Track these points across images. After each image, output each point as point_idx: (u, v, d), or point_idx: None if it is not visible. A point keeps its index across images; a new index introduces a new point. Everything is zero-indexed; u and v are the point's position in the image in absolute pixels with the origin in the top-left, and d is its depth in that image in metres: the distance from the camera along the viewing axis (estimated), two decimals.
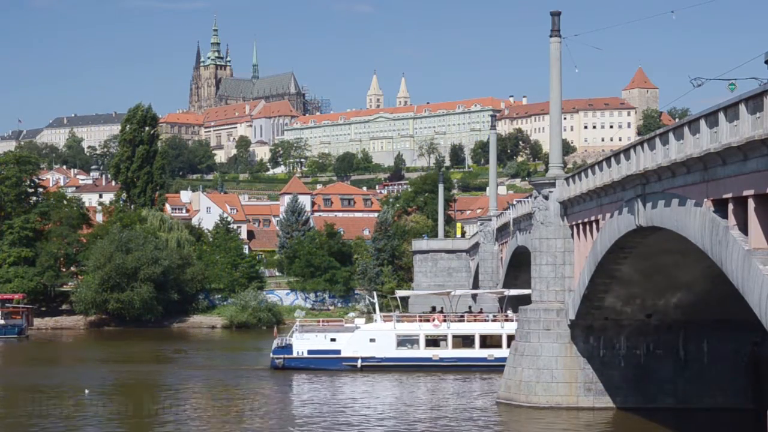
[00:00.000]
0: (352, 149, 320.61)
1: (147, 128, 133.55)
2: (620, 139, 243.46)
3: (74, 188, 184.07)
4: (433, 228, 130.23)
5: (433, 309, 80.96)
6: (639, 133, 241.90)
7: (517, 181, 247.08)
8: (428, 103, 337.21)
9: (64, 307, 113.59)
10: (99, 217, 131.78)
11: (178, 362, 77.19)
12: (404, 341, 66.44)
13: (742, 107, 26.75)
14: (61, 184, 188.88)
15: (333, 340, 66.64)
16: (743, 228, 28.12)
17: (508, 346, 53.59)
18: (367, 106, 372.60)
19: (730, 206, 28.85)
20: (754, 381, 45.28)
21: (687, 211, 32.20)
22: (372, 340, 66.37)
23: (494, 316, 68.45)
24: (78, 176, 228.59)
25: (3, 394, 58.79)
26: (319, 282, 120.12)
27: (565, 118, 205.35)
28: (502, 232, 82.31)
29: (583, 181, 45.00)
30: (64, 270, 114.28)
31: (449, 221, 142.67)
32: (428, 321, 67.61)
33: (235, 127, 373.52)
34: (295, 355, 66.25)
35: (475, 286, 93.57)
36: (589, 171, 43.98)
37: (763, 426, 30.76)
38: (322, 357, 66.01)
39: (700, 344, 45.82)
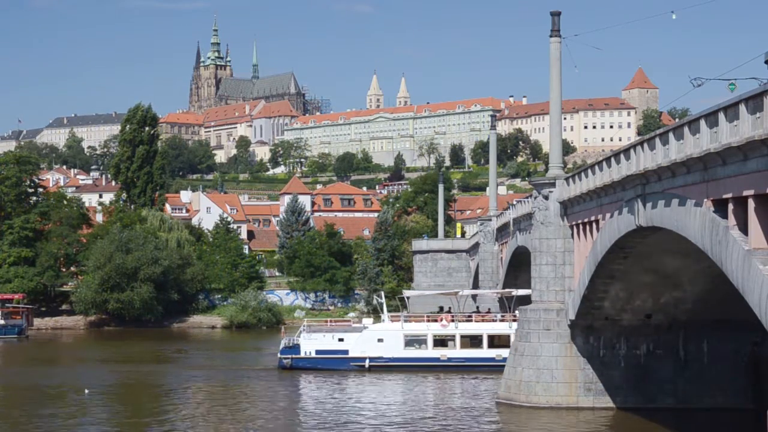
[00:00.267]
0: (352, 149, 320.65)
1: (147, 128, 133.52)
2: (620, 139, 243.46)
3: (74, 188, 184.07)
4: (433, 228, 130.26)
5: (441, 309, 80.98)
6: (639, 133, 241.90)
7: (517, 181, 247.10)
8: (428, 103, 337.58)
9: (64, 307, 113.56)
10: (99, 217, 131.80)
11: (182, 362, 77.09)
12: (412, 341, 66.37)
13: (742, 107, 26.76)
14: (61, 184, 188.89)
15: (341, 340, 66.58)
16: (743, 228, 28.13)
17: None
18: (367, 106, 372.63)
19: (730, 206, 28.85)
20: (754, 381, 45.28)
21: (687, 211, 32.20)
22: (380, 341, 66.31)
23: (502, 316, 68.36)
24: (78, 176, 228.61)
25: (3, 394, 58.82)
26: (319, 282, 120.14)
27: (565, 118, 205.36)
28: (502, 232, 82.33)
29: (583, 181, 45.00)
30: (64, 270, 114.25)
31: (449, 221, 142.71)
32: (436, 321, 67.61)
33: (235, 127, 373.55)
34: (302, 355, 66.20)
35: (475, 286, 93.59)
36: (589, 171, 43.98)
37: (763, 426, 30.76)
38: (330, 357, 65.95)
39: (700, 344, 45.81)
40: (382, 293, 76.98)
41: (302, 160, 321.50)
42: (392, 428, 44.33)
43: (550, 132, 53.00)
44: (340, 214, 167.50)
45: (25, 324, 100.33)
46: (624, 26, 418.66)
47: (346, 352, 66.10)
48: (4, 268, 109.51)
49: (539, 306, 47.98)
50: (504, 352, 62.78)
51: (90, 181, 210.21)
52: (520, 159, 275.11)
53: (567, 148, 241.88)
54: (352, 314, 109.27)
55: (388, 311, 69.47)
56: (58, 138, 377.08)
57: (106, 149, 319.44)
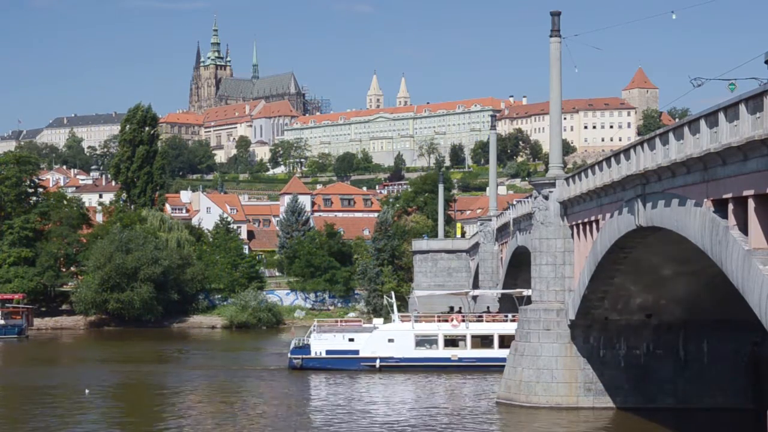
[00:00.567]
0: (352, 149, 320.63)
1: (147, 128, 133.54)
2: (620, 139, 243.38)
3: (74, 188, 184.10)
4: (433, 228, 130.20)
5: (451, 309, 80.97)
6: (639, 133, 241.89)
7: (517, 181, 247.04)
8: (428, 103, 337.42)
9: (64, 307, 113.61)
10: (99, 217, 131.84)
11: (187, 362, 77.16)
12: (423, 341, 66.37)
13: (742, 107, 26.75)
14: (61, 184, 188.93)
15: (351, 340, 66.60)
16: (743, 228, 28.13)
17: None
18: (367, 106, 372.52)
19: (730, 206, 28.85)
20: (754, 381, 45.28)
21: (687, 211, 32.20)
22: (390, 341, 66.34)
23: (513, 316, 68.32)
24: (78, 176, 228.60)
25: (3, 394, 58.82)
26: (319, 282, 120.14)
27: (565, 118, 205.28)
28: (502, 232, 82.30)
29: (583, 181, 45.00)
30: (64, 270, 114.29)
31: (449, 221, 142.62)
32: (447, 321, 67.56)
33: (235, 127, 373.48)
34: (313, 355, 66.25)
35: (475, 286, 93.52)
36: (589, 171, 43.98)
37: (763, 426, 30.76)
38: (341, 357, 65.97)
39: (700, 344, 45.82)
40: (393, 293, 77.06)
41: (302, 160, 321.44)
42: (392, 428, 44.33)
43: (550, 132, 53.00)
44: (340, 214, 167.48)
45: (25, 324, 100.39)
46: (624, 26, 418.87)
47: (356, 352, 66.09)
48: (4, 268, 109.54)
49: (539, 306, 47.98)
50: None
51: (90, 181, 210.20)
52: (520, 159, 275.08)
53: (567, 148, 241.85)
54: (351, 314, 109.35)
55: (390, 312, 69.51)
56: (58, 138, 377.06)
57: (106, 149, 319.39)
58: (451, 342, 66.37)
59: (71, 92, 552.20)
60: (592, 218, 44.03)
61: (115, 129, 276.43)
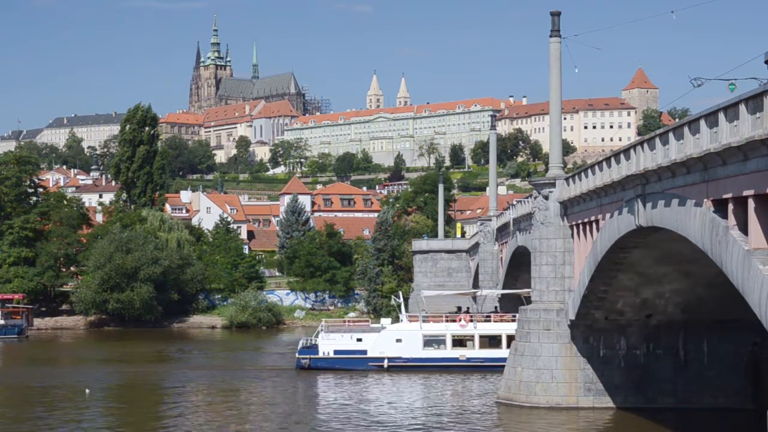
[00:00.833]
0: (352, 149, 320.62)
1: (147, 128, 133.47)
2: (620, 139, 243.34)
3: (74, 188, 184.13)
4: (433, 228, 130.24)
5: (459, 309, 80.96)
6: (639, 133, 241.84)
7: (517, 181, 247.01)
8: (428, 103, 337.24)
9: (64, 307, 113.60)
10: (99, 218, 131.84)
11: (191, 363, 77.02)
12: (431, 341, 66.37)
13: (742, 107, 26.75)
14: (61, 184, 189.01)
15: (359, 340, 66.60)
16: (743, 228, 28.13)
17: None
18: (367, 106, 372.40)
19: (730, 206, 28.85)
20: (754, 381, 45.27)
21: (687, 211, 32.20)
22: (398, 341, 66.32)
23: None
24: (78, 176, 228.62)
25: (3, 394, 58.79)
26: (319, 282, 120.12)
27: (565, 118, 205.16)
28: (502, 232, 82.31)
29: (583, 181, 45.00)
30: (64, 270, 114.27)
31: (449, 221, 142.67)
32: (455, 321, 67.55)
33: (235, 127, 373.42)
34: (321, 355, 66.26)
35: (475, 286, 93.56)
36: (589, 171, 43.97)
37: (763, 426, 30.75)
38: (349, 357, 65.97)
39: (700, 344, 45.81)
40: (401, 293, 77.06)
41: (302, 160, 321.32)
42: (391, 428, 44.34)
43: (550, 132, 52.98)
44: (340, 214, 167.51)
45: (25, 324, 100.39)
46: (624, 26, 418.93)
47: (364, 352, 66.08)
48: (4, 268, 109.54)
49: (539, 306, 47.98)
50: None
51: (90, 181, 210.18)
52: (520, 159, 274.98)
53: (567, 148, 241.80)
54: (351, 314, 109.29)
55: (390, 314, 69.54)
56: (58, 138, 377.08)
57: (106, 149, 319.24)
58: (459, 342, 66.35)
59: (71, 92, 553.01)
60: (592, 218, 44.03)
61: (115, 129, 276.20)
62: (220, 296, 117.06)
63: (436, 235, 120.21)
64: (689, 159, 30.84)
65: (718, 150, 28.30)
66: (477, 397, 54.15)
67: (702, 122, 29.94)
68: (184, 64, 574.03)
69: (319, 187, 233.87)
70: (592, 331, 46.10)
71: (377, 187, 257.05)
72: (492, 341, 65.71)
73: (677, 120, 69.69)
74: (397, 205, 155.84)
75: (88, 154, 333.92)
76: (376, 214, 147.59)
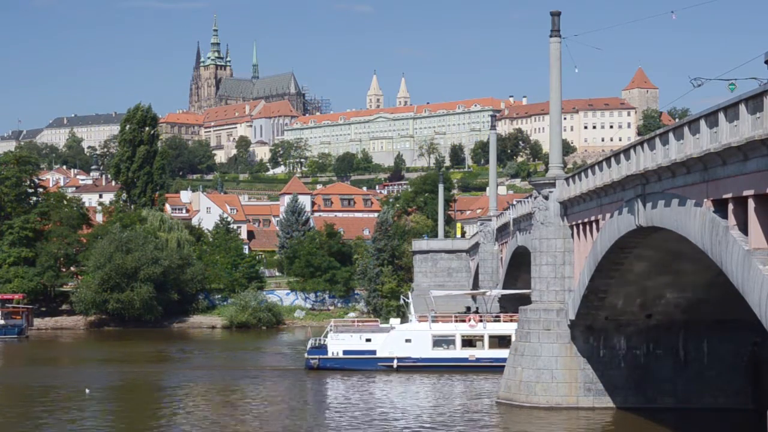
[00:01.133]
0: (352, 149, 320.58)
1: (147, 128, 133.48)
2: (620, 139, 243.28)
3: (74, 188, 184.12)
4: (433, 228, 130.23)
5: (468, 309, 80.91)
6: (639, 133, 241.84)
7: (517, 181, 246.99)
8: (428, 103, 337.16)
9: (64, 307, 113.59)
10: (99, 218, 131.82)
11: (194, 363, 76.98)
12: (440, 341, 66.36)
13: (742, 107, 26.75)
14: (61, 184, 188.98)
15: (368, 340, 66.59)
16: (743, 228, 28.13)
17: None
18: (367, 106, 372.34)
19: (730, 206, 28.85)
20: (754, 381, 45.27)
21: (687, 211, 32.20)
22: (408, 341, 66.30)
23: None
24: (78, 176, 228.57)
25: (3, 394, 58.81)
26: (319, 282, 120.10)
27: (565, 118, 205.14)
28: (502, 232, 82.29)
29: (583, 181, 44.99)
30: (64, 270, 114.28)
31: (449, 221, 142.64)
32: (464, 321, 67.53)
33: (235, 127, 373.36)
34: (330, 355, 66.27)
35: (475, 286, 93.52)
36: (589, 171, 43.97)
37: (763, 426, 30.75)
38: (358, 357, 65.95)
39: (700, 344, 45.81)
40: (410, 294, 77.09)
41: (302, 160, 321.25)
42: (390, 428, 44.34)
43: (550, 132, 52.98)
44: (340, 214, 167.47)
45: (25, 324, 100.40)
46: (624, 26, 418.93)
47: (373, 352, 66.09)
48: (4, 268, 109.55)
49: (539, 306, 47.97)
50: None
51: (90, 182, 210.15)
52: (520, 159, 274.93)
53: (567, 148, 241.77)
54: (351, 314, 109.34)
55: (390, 314, 69.52)
56: (58, 138, 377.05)
57: (106, 149, 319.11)
58: (469, 342, 66.35)
59: (71, 92, 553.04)
60: (592, 218, 44.03)
61: (115, 129, 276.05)
62: (220, 296, 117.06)
63: (436, 235, 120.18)
64: (689, 159, 30.84)
65: (718, 150, 28.29)
66: (478, 398, 54.14)
67: (702, 122, 29.94)
68: (184, 64, 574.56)
69: (319, 187, 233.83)
70: (592, 331, 46.10)
71: (377, 187, 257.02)
72: (501, 341, 65.47)
73: (677, 120, 69.69)
74: (397, 205, 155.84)
75: (88, 154, 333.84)
76: (376, 214, 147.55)
